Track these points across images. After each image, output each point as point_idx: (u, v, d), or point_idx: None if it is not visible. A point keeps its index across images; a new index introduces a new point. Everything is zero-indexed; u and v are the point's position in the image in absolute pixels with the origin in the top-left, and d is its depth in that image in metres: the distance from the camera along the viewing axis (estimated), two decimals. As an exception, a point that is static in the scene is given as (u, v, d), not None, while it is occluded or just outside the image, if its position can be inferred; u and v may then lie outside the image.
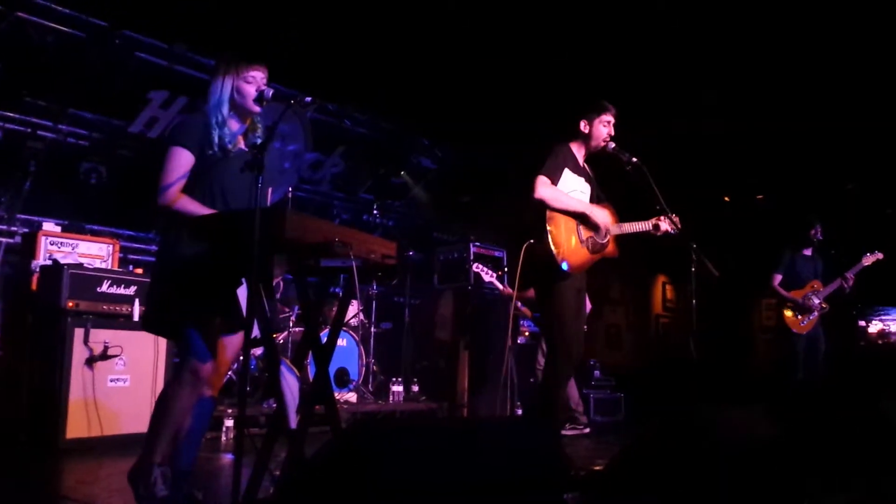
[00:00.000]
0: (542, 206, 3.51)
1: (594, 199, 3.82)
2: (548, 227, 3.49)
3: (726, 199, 9.67)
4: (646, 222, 3.75)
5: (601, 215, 3.63)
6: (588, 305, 4.30)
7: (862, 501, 3.23)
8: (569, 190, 3.64)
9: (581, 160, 3.78)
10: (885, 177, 8.00)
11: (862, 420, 3.85)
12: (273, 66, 2.74)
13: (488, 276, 5.60)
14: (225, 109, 2.62)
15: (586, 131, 3.70)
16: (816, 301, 5.58)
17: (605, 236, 3.64)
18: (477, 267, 5.65)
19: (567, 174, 3.64)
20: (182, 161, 2.54)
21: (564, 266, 3.45)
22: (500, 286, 5.63)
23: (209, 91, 2.65)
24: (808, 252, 5.80)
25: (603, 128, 3.68)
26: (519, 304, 5.74)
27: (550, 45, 6.43)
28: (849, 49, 6.29)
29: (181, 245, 2.51)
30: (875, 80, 6.64)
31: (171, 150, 2.55)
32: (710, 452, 2.92)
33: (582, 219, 3.59)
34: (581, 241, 3.58)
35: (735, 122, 7.57)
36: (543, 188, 3.51)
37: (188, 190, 2.57)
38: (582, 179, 3.75)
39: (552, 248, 3.46)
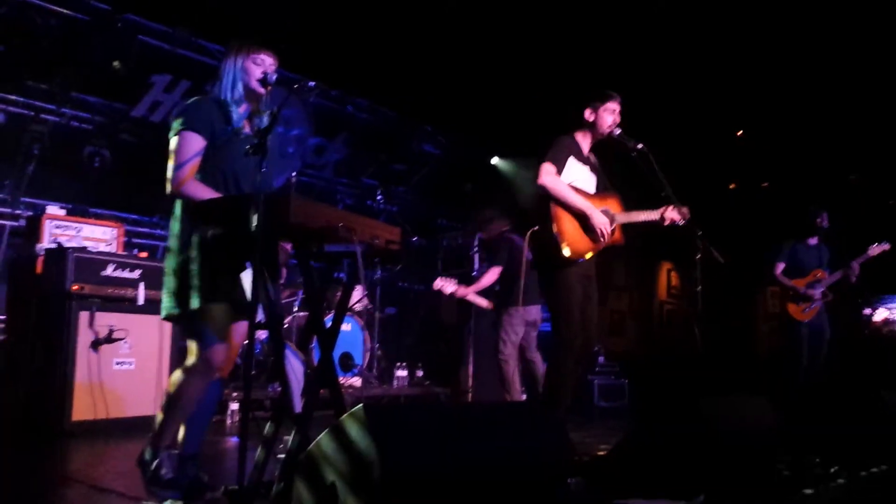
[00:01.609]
0: (546, 193, 3.50)
1: (600, 189, 3.80)
2: (555, 214, 3.48)
3: (732, 186, 9.63)
4: (654, 212, 3.69)
5: (600, 219, 3.52)
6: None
7: (860, 488, 3.24)
8: (573, 179, 3.61)
9: (586, 150, 3.76)
10: (890, 167, 7.95)
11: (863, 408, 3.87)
12: (276, 50, 2.72)
13: (451, 286, 5.46)
14: (240, 87, 2.61)
15: (591, 120, 3.67)
16: (819, 290, 5.55)
17: (604, 239, 3.58)
18: (438, 283, 5.50)
19: (572, 163, 3.62)
20: (194, 146, 2.51)
21: (567, 252, 3.44)
22: (452, 287, 5.48)
23: (221, 71, 2.64)
24: (813, 241, 5.76)
25: (608, 116, 3.65)
26: (478, 299, 5.64)
27: (555, 30, 6.38)
28: (855, 38, 6.24)
29: (193, 230, 2.49)
30: (881, 69, 6.59)
31: (183, 135, 2.51)
32: (712, 440, 2.93)
33: (581, 219, 3.54)
34: (586, 229, 3.55)
35: (742, 110, 7.53)
36: (548, 176, 3.49)
37: (199, 173, 2.54)
38: (587, 169, 3.72)
39: (556, 235, 3.44)
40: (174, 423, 2.55)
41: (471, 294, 5.51)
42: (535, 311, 5.23)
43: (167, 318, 2.58)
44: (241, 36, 2.70)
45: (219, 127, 2.57)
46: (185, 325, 2.57)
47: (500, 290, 5.34)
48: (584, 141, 3.74)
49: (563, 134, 3.71)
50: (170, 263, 2.56)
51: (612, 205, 3.70)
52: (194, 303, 2.46)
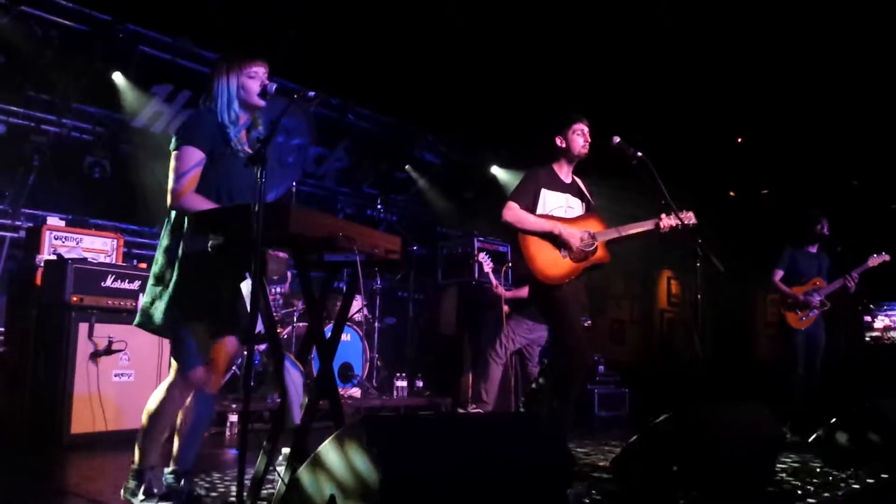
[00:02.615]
0: (511, 228, 3.60)
1: (590, 210, 3.86)
2: (522, 246, 3.57)
3: (732, 194, 9.63)
4: (647, 222, 3.73)
5: (568, 231, 3.59)
6: None
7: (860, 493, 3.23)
8: (551, 208, 3.69)
9: (566, 177, 3.83)
10: (891, 173, 7.96)
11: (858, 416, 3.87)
12: (276, 60, 2.73)
13: (487, 266, 5.59)
14: (236, 107, 2.60)
15: (563, 146, 3.78)
16: (817, 298, 5.54)
17: (590, 246, 3.62)
18: (483, 257, 5.65)
19: (546, 195, 3.70)
20: (194, 160, 2.51)
21: (544, 279, 3.53)
22: (494, 281, 5.56)
23: (214, 90, 2.61)
24: (812, 249, 5.75)
25: (578, 137, 3.74)
26: (506, 306, 5.66)
27: (555, 39, 6.40)
28: (855, 44, 6.26)
29: (188, 241, 2.49)
30: (881, 74, 6.60)
31: (183, 150, 2.51)
32: (712, 448, 2.92)
33: (551, 239, 3.59)
34: (562, 254, 3.59)
35: (741, 116, 7.54)
36: (507, 212, 3.61)
37: (196, 187, 2.54)
38: (568, 195, 3.79)
39: (528, 265, 3.55)
40: (156, 442, 2.55)
41: (505, 296, 5.55)
42: (542, 330, 5.32)
43: (140, 326, 2.57)
44: (234, 48, 2.69)
45: (217, 144, 2.56)
46: (170, 341, 2.58)
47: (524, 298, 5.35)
48: (561, 168, 3.83)
49: (538, 164, 3.80)
50: (153, 275, 2.57)
51: (592, 225, 3.73)
52: (159, 318, 2.46)
